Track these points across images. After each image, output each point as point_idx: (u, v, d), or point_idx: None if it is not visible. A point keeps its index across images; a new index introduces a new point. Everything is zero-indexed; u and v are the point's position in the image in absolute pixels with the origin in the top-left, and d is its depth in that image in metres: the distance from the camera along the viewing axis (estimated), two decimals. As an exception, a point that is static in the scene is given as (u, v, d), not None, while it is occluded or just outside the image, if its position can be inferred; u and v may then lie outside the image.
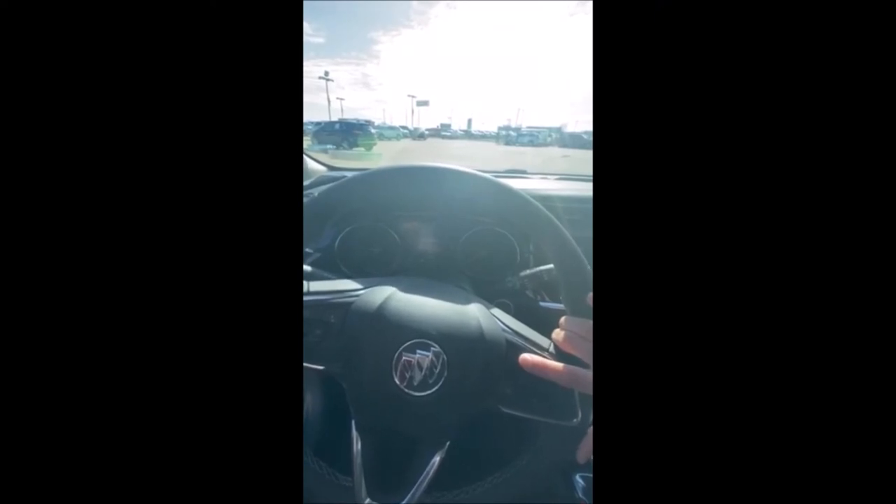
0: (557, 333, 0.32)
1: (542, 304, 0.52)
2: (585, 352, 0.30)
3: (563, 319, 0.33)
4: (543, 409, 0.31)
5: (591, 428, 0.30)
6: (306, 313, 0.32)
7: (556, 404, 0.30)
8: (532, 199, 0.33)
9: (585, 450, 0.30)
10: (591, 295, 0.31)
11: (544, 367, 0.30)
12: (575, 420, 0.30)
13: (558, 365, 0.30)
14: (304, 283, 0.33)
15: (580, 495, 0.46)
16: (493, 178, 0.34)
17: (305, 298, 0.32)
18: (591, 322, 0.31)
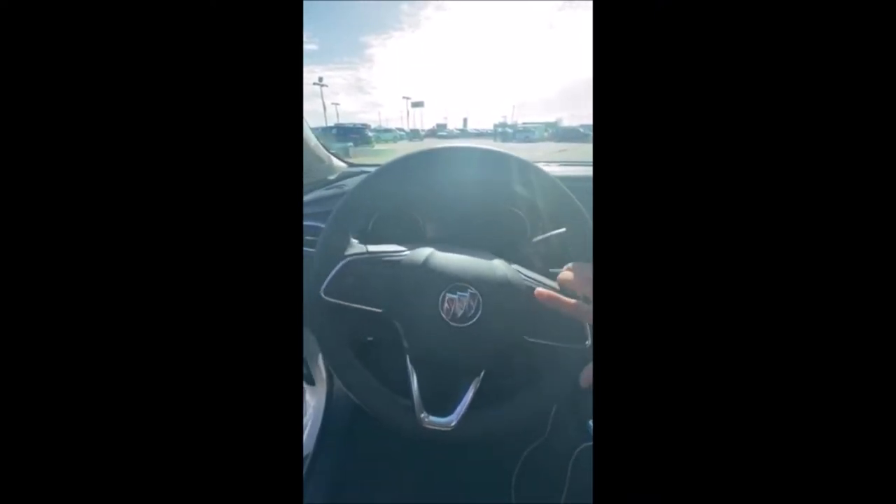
0: (564, 274, 0.37)
1: (551, 270, 0.55)
2: (588, 290, 0.34)
3: (570, 264, 0.38)
4: (559, 336, 0.38)
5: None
6: (366, 267, 0.39)
7: (569, 332, 0.38)
8: (543, 169, 0.40)
9: (587, 374, 0.34)
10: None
11: (554, 299, 0.36)
12: (587, 343, 0.37)
13: (567, 299, 0.36)
14: (363, 246, 0.41)
15: (592, 438, 0.54)
16: (503, 152, 0.40)
17: (365, 255, 0.40)
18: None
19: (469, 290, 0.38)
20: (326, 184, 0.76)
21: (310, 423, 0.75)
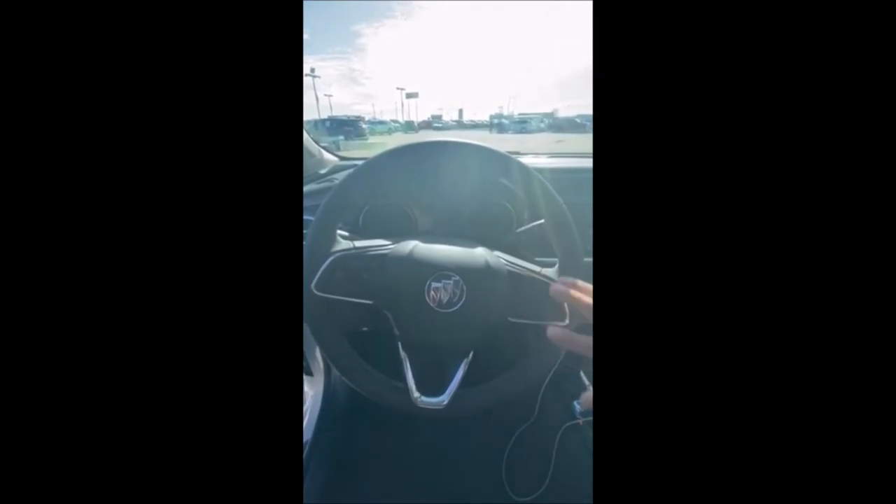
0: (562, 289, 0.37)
1: (536, 259, 0.57)
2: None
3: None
4: (540, 316, 0.40)
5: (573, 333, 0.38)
6: (354, 262, 0.41)
7: (549, 312, 0.40)
8: (524, 163, 0.41)
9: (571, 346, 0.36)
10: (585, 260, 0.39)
11: (566, 294, 0.34)
12: (566, 321, 0.39)
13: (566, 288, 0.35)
14: (350, 242, 0.42)
15: (577, 416, 0.61)
16: (491, 148, 0.41)
17: (353, 251, 0.41)
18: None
19: (453, 278, 0.40)
20: (317, 178, 0.76)
21: (309, 412, 0.77)
